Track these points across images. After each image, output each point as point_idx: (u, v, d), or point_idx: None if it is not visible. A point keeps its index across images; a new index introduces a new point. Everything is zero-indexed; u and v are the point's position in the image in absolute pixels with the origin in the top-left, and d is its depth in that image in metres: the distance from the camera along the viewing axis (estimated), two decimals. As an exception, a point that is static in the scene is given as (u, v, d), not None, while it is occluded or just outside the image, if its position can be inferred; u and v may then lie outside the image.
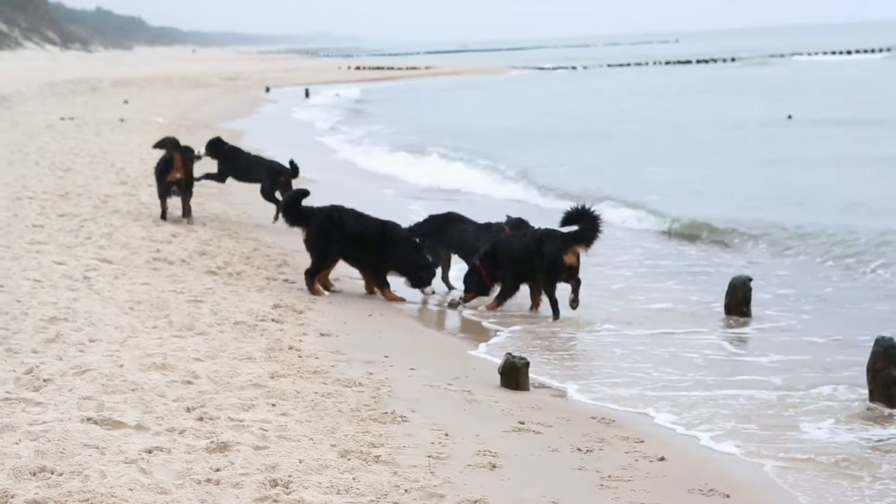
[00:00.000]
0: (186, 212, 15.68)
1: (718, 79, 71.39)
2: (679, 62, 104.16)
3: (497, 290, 12.20)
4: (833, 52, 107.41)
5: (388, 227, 12.40)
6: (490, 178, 24.31)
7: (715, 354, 10.41)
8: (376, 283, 12.42)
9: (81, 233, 14.12)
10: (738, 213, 17.86)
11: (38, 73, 60.92)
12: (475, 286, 12.18)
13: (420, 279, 12.30)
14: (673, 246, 16.38)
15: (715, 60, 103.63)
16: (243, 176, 17.15)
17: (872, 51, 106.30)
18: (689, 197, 20.28)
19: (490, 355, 10.18)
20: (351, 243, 12.27)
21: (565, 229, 11.83)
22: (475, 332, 11.35)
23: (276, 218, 16.07)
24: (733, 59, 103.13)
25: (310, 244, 12.33)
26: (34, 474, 6.02)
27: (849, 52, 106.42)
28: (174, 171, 15.49)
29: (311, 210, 12.44)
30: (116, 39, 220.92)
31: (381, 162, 27.49)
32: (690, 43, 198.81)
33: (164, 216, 15.58)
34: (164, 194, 15.61)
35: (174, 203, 15.80)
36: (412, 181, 24.12)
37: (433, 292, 12.34)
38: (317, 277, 12.25)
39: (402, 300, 12.31)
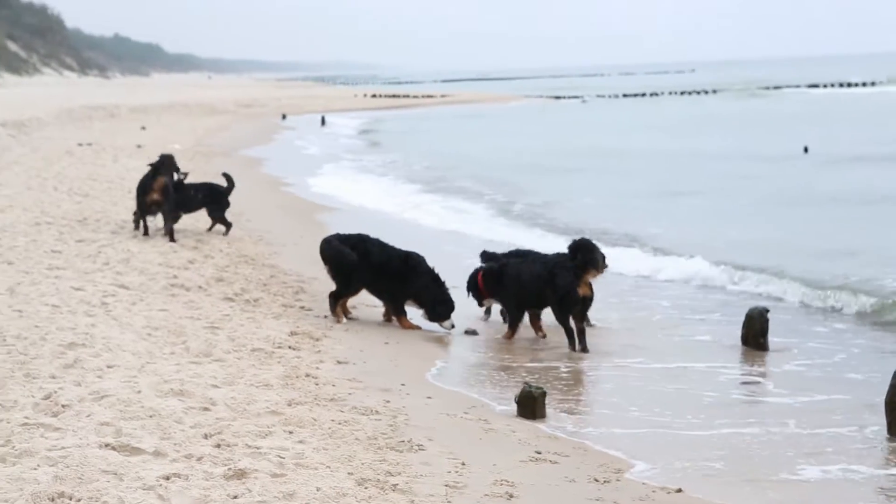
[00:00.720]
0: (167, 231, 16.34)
1: (734, 109, 71.44)
2: (695, 92, 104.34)
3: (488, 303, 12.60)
4: (850, 84, 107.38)
5: (410, 258, 12.48)
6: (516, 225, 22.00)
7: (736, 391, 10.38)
8: (394, 311, 12.46)
9: (99, 258, 14.19)
10: (789, 254, 17.05)
11: (56, 99, 61.21)
12: (471, 289, 12.46)
13: (437, 312, 12.33)
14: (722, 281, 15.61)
15: (730, 90, 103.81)
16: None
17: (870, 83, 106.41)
18: (735, 238, 19.09)
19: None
20: (374, 272, 12.36)
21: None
22: (495, 360, 11.36)
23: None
24: (747, 89, 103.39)
25: (335, 271, 12.43)
26: (53, 500, 6.03)
27: (864, 84, 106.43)
28: (152, 192, 16.19)
29: (335, 241, 12.59)
30: (134, 66, 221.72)
31: (400, 200, 25.96)
32: (706, 73, 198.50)
33: (144, 232, 16.34)
34: (143, 213, 16.44)
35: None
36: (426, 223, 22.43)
37: (452, 326, 12.33)
38: (340, 302, 12.34)
39: (417, 328, 12.33)
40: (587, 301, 11.72)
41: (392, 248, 12.60)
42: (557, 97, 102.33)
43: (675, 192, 27.00)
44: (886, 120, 54.03)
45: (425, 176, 31.56)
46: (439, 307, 12.29)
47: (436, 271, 12.50)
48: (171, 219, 16.25)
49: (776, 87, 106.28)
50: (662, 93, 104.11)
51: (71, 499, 6.05)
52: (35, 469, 6.43)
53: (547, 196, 26.20)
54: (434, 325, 12.38)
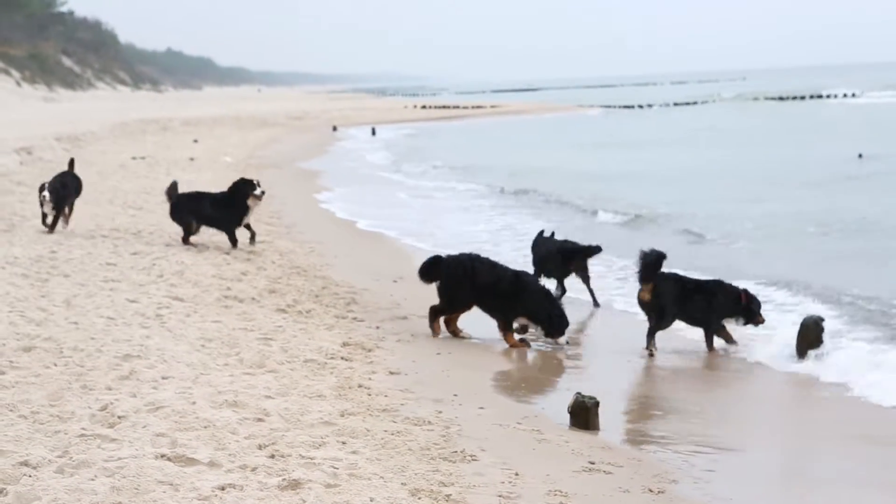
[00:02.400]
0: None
1: (790, 116, 70.88)
2: (748, 99, 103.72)
3: None
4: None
5: (520, 277, 12.42)
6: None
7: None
8: (502, 327, 12.31)
9: (153, 271, 14.31)
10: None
11: (110, 113, 61.81)
12: None
13: (554, 327, 12.23)
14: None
15: (783, 98, 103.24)
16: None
17: None
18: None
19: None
20: (483, 292, 12.28)
21: None
22: (547, 370, 11.35)
23: None
24: (802, 98, 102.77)
25: (442, 290, 12.37)
26: (110, 510, 6.10)
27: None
28: None
29: (444, 260, 12.54)
30: (186, 79, 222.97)
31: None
32: (757, 81, 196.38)
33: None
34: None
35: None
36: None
37: (567, 343, 12.25)
38: (441, 318, 12.35)
39: (527, 346, 12.21)
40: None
41: (503, 268, 12.53)
42: (607, 106, 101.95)
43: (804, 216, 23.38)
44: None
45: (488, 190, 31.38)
46: (556, 321, 12.22)
47: (546, 288, 12.52)
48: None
49: (830, 96, 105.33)
50: (713, 100, 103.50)
51: (128, 509, 6.11)
52: (92, 480, 6.50)
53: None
54: (487, 336, 12.40)
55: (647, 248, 12.28)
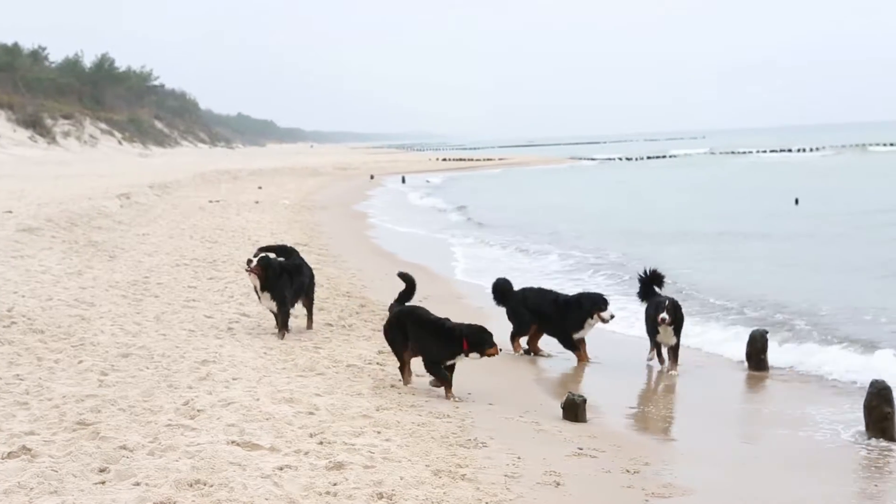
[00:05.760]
0: None
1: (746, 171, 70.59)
2: (712, 153, 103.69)
3: None
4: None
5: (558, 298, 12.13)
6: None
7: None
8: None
9: (226, 292, 14.36)
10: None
11: (192, 166, 62.02)
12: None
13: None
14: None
15: (736, 153, 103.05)
16: None
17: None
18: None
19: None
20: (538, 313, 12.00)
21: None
22: (545, 374, 11.33)
23: None
24: (757, 152, 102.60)
25: (511, 316, 12.18)
26: (191, 485, 6.13)
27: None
28: None
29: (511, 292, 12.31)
30: (253, 138, 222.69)
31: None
32: (715, 139, 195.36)
33: None
34: None
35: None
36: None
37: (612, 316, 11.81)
38: (518, 341, 12.13)
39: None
40: None
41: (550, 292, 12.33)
42: (592, 159, 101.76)
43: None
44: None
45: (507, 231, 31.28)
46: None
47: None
48: None
49: (800, 150, 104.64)
50: (680, 154, 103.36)
51: (205, 485, 6.14)
52: (177, 461, 6.53)
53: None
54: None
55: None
